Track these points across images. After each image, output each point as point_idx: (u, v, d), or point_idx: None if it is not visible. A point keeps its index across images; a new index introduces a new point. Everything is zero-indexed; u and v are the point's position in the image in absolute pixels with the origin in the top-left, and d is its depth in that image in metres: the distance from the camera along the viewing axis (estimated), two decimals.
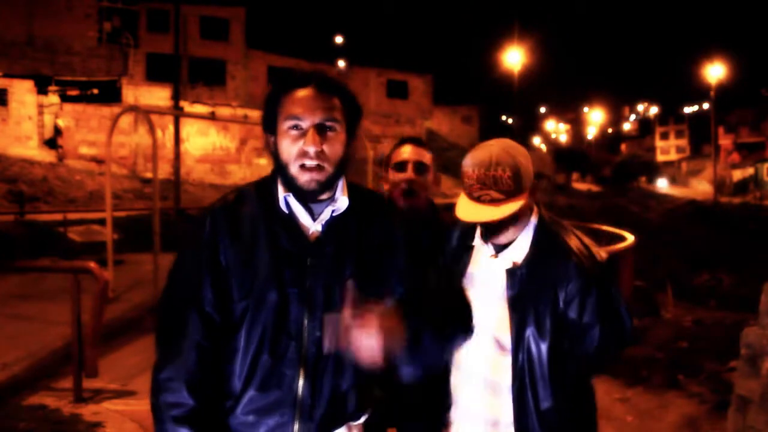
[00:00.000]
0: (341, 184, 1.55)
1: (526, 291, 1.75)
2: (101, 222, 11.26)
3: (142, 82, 31.25)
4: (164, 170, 20.12)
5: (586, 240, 1.83)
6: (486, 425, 1.82)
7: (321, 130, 1.47)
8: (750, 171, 51.27)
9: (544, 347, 1.73)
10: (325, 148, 1.47)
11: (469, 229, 1.92)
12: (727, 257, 13.19)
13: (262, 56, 35.71)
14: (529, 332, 1.74)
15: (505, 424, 1.80)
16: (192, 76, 32.37)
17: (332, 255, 1.50)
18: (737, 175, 53.81)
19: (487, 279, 1.82)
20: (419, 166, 2.28)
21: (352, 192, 1.58)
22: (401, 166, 2.28)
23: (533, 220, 1.82)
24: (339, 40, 52.18)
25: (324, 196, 1.52)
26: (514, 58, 32.28)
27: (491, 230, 1.79)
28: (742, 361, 3.20)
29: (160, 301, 1.56)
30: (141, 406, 4.43)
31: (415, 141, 2.35)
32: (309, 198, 1.51)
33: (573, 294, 1.73)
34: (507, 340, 1.77)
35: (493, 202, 1.70)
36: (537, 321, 1.74)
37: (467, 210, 1.73)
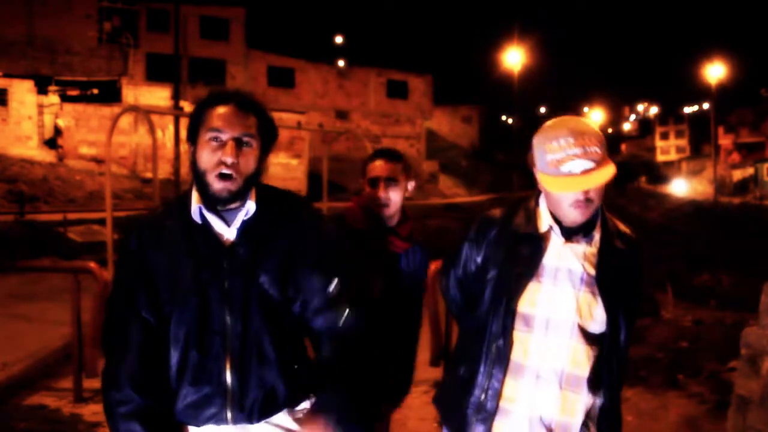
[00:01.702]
0: (250, 191, 1.68)
1: (613, 273, 1.72)
2: (101, 222, 11.26)
3: (142, 82, 31.26)
4: (164, 170, 20.14)
5: None
6: (553, 429, 1.71)
7: (238, 144, 1.62)
8: (750, 171, 51.27)
9: (625, 331, 1.72)
10: (240, 160, 1.61)
11: (524, 217, 1.81)
12: (727, 257, 13.18)
13: (262, 56, 35.73)
14: (620, 316, 1.71)
15: (576, 425, 1.71)
16: (192, 76, 32.36)
17: (246, 256, 1.63)
18: (737, 175, 53.82)
19: (563, 266, 1.73)
20: (389, 182, 2.41)
21: (264, 196, 1.70)
22: (374, 182, 2.42)
23: None
24: (339, 40, 52.19)
25: (234, 205, 1.65)
26: (514, 58, 32.29)
27: (580, 205, 1.67)
28: (742, 361, 3.20)
29: (106, 307, 1.74)
30: None
31: (387, 155, 2.48)
32: (220, 205, 1.64)
33: (638, 276, 1.77)
34: (594, 327, 1.71)
35: (587, 172, 1.62)
36: (623, 304, 1.72)
37: (563, 184, 1.65)
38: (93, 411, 4.47)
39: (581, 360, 1.70)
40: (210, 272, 1.62)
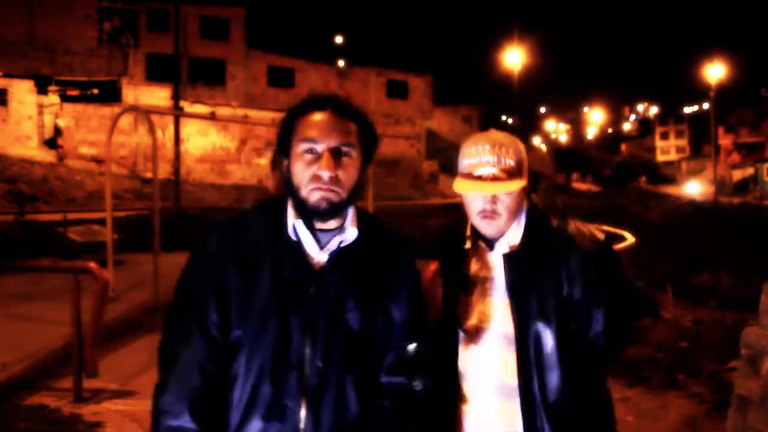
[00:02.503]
0: (351, 214, 1.52)
1: (525, 274, 1.69)
2: (101, 222, 11.25)
3: (142, 82, 31.26)
4: (164, 170, 20.13)
5: (585, 222, 1.79)
6: None
7: (336, 154, 1.44)
8: (750, 171, 51.29)
9: (550, 333, 1.66)
10: (340, 173, 1.44)
11: (453, 234, 1.89)
12: (727, 257, 13.18)
13: (262, 56, 35.71)
14: (533, 318, 1.67)
15: None
16: (192, 76, 32.37)
17: (336, 285, 1.46)
18: (737, 175, 53.83)
19: (487, 276, 1.76)
20: None
21: (363, 223, 1.54)
22: None
23: (524, 208, 1.78)
24: (339, 40, 52.22)
25: (333, 224, 1.50)
26: (514, 58, 32.27)
27: (487, 214, 1.71)
28: (742, 361, 3.20)
29: (165, 318, 1.52)
30: (141, 406, 4.42)
31: None
32: (319, 220, 1.48)
33: (575, 272, 1.67)
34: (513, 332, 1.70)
35: (496, 179, 1.67)
36: (540, 305, 1.67)
37: (469, 185, 1.69)
38: (93, 411, 4.47)
39: (512, 369, 1.69)
40: (294, 297, 1.44)
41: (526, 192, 1.76)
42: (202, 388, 1.42)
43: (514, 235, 1.74)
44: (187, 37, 30.93)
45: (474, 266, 1.80)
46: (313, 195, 1.44)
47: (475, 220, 1.74)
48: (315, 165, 1.44)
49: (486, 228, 1.73)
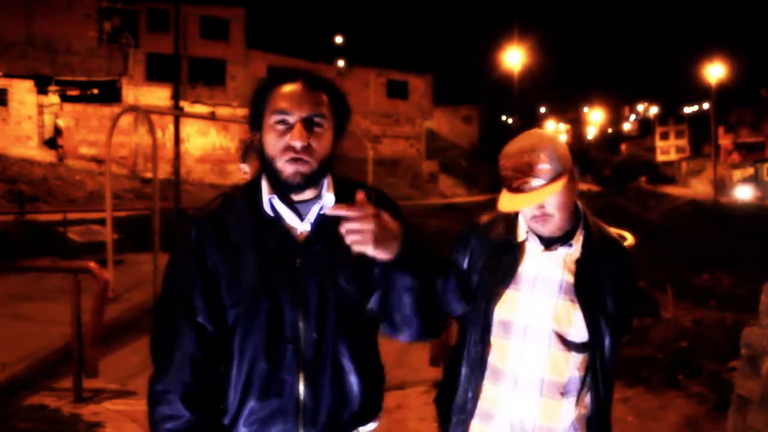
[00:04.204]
0: (327, 181, 1.52)
1: (593, 281, 1.73)
2: (101, 222, 11.26)
3: (142, 82, 31.26)
4: (164, 170, 20.12)
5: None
6: None
7: (308, 124, 1.45)
8: (750, 171, 51.21)
9: (609, 338, 1.74)
10: (312, 143, 1.45)
11: (503, 225, 1.84)
12: (727, 257, 13.18)
13: (262, 56, 35.70)
14: (602, 323, 1.72)
15: (562, 430, 1.73)
16: (192, 76, 32.36)
17: (322, 253, 1.47)
18: (737, 175, 53.74)
19: (541, 274, 1.75)
20: None
21: (340, 187, 1.54)
22: None
23: (581, 210, 1.79)
24: (339, 40, 52.26)
25: (309, 195, 1.50)
26: (514, 58, 32.26)
27: (538, 219, 1.71)
28: (742, 361, 3.20)
29: (154, 312, 1.55)
30: (141, 406, 4.40)
31: None
32: (294, 193, 1.48)
33: (625, 282, 1.79)
34: (574, 334, 1.72)
35: (533, 189, 1.64)
36: (605, 311, 1.73)
37: (507, 201, 1.68)
38: (93, 411, 4.47)
39: (561, 367, 1.72)
40: (281, 272, 1.44)
41: (573, 185, 1.72)
42: (193, 376, 1.44)
43: (579, 240, 1.77)
44: (187, 37, 30.92)
45: (527, 264, 1.77)
46: (287, 168, 1.44)
47: (530, 223, 1.74)
48: (287, 135, 1.44)
49: (542, 229, 1.73)
